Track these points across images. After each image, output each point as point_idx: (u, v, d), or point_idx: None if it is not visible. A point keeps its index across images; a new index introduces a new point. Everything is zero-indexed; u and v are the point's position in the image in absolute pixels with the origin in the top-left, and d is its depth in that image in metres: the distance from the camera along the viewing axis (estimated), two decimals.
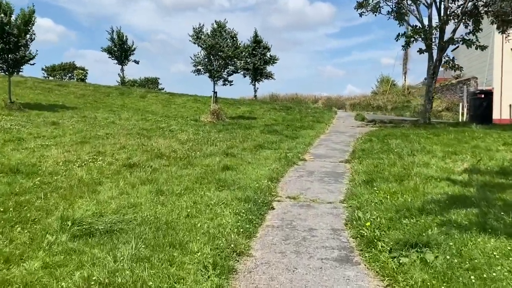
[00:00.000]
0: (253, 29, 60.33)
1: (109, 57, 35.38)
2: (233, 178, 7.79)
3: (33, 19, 20.79)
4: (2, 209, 5.22)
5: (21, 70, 21.81)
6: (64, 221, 4.67)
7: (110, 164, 8.83)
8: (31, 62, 21.47)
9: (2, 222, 4.77)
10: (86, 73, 48.95)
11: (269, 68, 36.00)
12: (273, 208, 6.27)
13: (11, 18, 20.09)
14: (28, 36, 20.78)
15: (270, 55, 35.68)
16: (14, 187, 6.45)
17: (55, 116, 19.47)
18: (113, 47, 35.02)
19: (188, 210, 5.65)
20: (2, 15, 19.56)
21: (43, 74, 50.22)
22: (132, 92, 30.79)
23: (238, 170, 8.71)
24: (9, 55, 20.57)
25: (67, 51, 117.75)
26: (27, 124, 16.19)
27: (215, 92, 22.45)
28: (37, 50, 21.72)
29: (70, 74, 52.21)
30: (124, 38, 35.24)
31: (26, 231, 4.57)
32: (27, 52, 21.06)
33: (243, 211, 5.67)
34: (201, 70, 21.79)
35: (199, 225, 5.10)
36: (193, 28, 21.49)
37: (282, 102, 35.87)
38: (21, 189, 6.38)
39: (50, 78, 46.39)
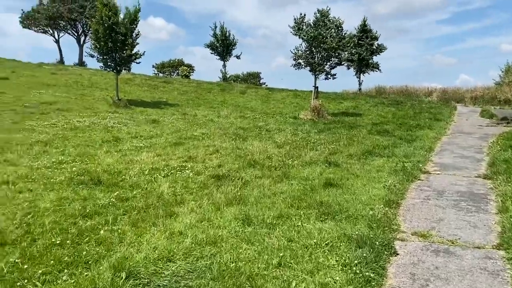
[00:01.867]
0: (356, 19, 57.02)
1: (211, 53, 35.64)
2: (338, 201, 6.21)
3: (138, 17, 21.19)
4: (59, 241, 4.37)
5: (127, 68, 22.45)
6: (118, 271, 3.61)
7: (197, 174, 7.85)
8: (137, 60, 21.98)
9: (52, 262, 3.86)
10: (192, 69, 50.56)
11: (376, 59, 33.14)
12: (396, 254, 4.59)
13: (119, 18, 20.65)
14: (134, 34, 21.24)
15: (378, 44, 32.77)
16: (87, 206, 5.67)
17: (157, 113, 19.61)
18: (215, 42, 35.14)
19: (281, 255, 4.25)
20: (111, 14, 20.14)
21: (154, 71, 53.12)
22: (233, 87, 30.48)
23: (344, 187, 7.10)
24: (117, 54, 21.24)
25: (177, 48, 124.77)
26: (129, 122, 16.31)
27: (316, 87, 20.82)
28: (144, 51, 22.05)
29: (177, 71, 54.48)
30: (227, 33, 35.16)
31: (73, 280, 3.59)
32: (134, 50, 21.56)
33: (355, 262, 4.10)
34: (302, 63, 20.30)
35: (293, 284, 3.68)
36: (294, 19, 20.07)
37: (390, 96, 32.74)
38: (93, 208, 5.58)
39: (160, 75, 48.77)
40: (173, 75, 51.71)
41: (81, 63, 39.38)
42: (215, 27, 34.94)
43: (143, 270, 3.74)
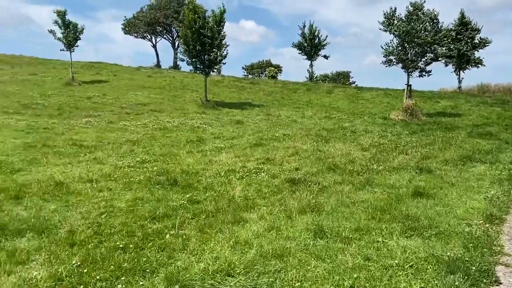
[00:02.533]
0: (454, 12, 52.47)
1: (299, 53, 35.21)
2: (428, 214, 5.43)
3: (224, 19, 21.52)
4: (123, 244, 4.30)
5: (215, 69, 22.95)
6: (171, 284, 3.38)
7: (273, 177, 7.51)
8: (224, 61, 22.39)
9: (111, 268, 3.77)
10: (280, 70, 50.71)
11: (478, 54, 29.96)
12: (497, 283, 3.78)
13: (205, 21, 21.16)
14: (220, 36, 21.63)
15: (481, 38, 29.62)
16: (158, 208, 5.62)
17: (242, 114, 19.76)
18: (303, 42, 34.64)
19: (355, 276, 3.70)
20: (197, 18, 20.72)
21: (243, 72, 54.30)
22: (319, 87, 29.76)
23: (436, 197, 6.24)
24: (205, 56, 21.81)
25: (266, 50, 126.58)
26: (214, 123, 16.57)
27: (409, 85, 19.35)
28: (227, 52, 22.40)
29: (265, 72, 55.05)
30: (316, 32, 34.46)
31: None
32: (220, 52, 21.97)
33: None
34: (393, 60, 18.98)
35: None
36: (384, 14, 18.84)
37: (494, 94, 29.45)
38: (163, 210, 5.51)
39: (249, 76, 49.67)
40: (261, 76, 52.34)
41: (175, 66, 41.50)
42: (304, 26, 34.44)
43: (198, 284, 3.47)
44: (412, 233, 4.77)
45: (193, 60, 22.05)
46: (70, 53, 26.49)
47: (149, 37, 43.37)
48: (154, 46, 44.58)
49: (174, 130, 14.85)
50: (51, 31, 25.77)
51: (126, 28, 42.48)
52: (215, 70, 23.20)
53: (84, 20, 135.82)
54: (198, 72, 22.60)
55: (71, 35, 25.86)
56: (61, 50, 26.38)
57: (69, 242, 4.36)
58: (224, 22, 21.59)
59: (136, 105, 21.47)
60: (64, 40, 25.84)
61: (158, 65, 42.79)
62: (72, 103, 20.98)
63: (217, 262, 3.90)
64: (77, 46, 26.49)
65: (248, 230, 4.82)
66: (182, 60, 22.66)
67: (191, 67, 22.65)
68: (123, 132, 14.22)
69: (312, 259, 4.08)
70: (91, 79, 27.58)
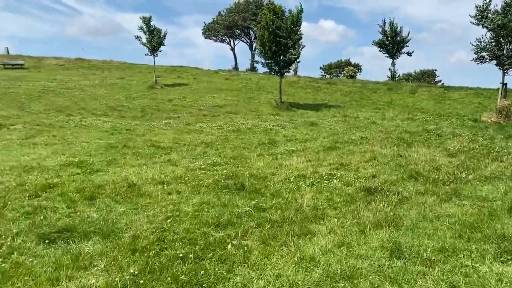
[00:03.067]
0: None
1: (379, 51, 33.68)
2: None
3: (300, 19, 21.15)
4: (183, 253, 4.12)
5: (290, 70, 22.64)
6: None
7: (346, 184, 7.00)
8: (298, 60, 22.02)
9: (168, 280, 3.60)
10: (359, 69, 49.11)
11: None
12: None
13: (282, 21, 20.93)
14: (296, 36, 21.28)
15: None
16: (223, 214, 5.44)
17: (317, 115, 19.24)
18: (384, 40, 33.07)
19: None
20: (274, 19, 20.56)
21: (321, 72, 53.43)
22: (402, 87, 28.15)
23: None
24: (280, 57, 21.60)
25: (346, 49, 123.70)
26: (288, 125, 16.28)
27: (504, 84, 17.45)
28: (300, 52, 21.97)
29: (344, 72, 53.63)
30: (398, 29, 32.72)
31: None
32: (296, 52, 21.63)
33: None
34: (486, 57, 17.25)
35: None
36: (476, 7, 17.16)
37: None
38: (228, 217, 5.31)
39: (327, 76, 48.75)
40: (339, 76, 51.08)
41: (252, 68, 41.96)
42: (384, 23, 32.87)
43: None
44: (509, 257, 4.05)
45: (268, 61, 21.98)
46: (154, 57, 27.88)
47: (228, 40, 44.38)
48: (233, 49, 45.56)
49: (247, 132, 14.80)
50: (137, 37, 27.31)
51: (206, 33, 43.85)
52: (290, 71, 22.87)
53: (169, 26, 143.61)
54: (273, 73, 22.47)
55: (155, 40, 27.17)
56: (146, 54, 27.88)
57: (131, 248, 4.31)
58: (301, 22, 21.21)
59: (213, 107, 21.91)
60: (148, 45, 27.23)
61: (236, 67, 43.60)
62: (154, 105, 21.97)
63: (278, 281, 3.58)
64: (160, 51, 27.80)
65: (315, 244, 4.43)
66: (257, 62, 22.72)
67: (266, 69, 22.62)
68: (199, 134, 14.47)
69: (387, 283, 3.59)
70: (173, 82, 28.75)
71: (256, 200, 6.08)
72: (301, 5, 21.10)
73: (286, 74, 23.90)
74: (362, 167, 8.41)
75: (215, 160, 9.32)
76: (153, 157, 10.01)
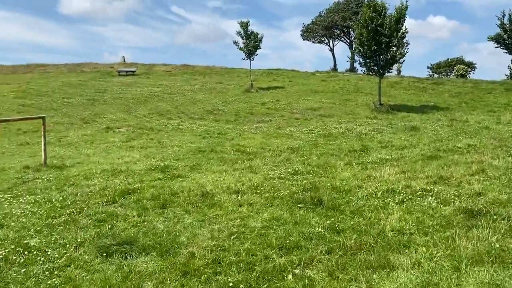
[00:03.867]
0: None
1: (495, 47, 29.93)
2: None
3: (404, 15, 19.62)
4: (234, 282, 3.66)
5: (390, 70, 21.12)
6: None
7: (443, 203, 5.95)
8: (401, 60, 20.44)
9: None
10: (473, 68, 44.54)
11: None
12: None
13: (384, 18, 19.60)
14: (399, 34, 19.78)
15: None
16: (291, 234, 4.87)
17: (419, 119, 17.60)
18: (502, 34, 29.30)
19: None
20: (375, 16, 19.33)
21: (428, 72, 49.61)
22: None
23: None
24: (380, 56, 20.26)
25: (458, 46, 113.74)
26: (385, 129, 15.08)
27: None
28: (407, 51, 20.32)
29: (454, 71, 49.15)
30: None
31: None
32: (399, 51, 20.12)
33: None
34: None
35: None
36: None
37: None
38: (296, 238, 4.73)
39: (435, 75, 45.14)
40: (449, 75, 46.90)
41: (351, 69, 40.42)
42: (503, 15, 29.11)
43: None
44: None
45: (367, 61, 20.77)
46: (250, 61, 28.20)
47: (327, 41, 43.32)
48: (331, 50, 44.39)
49: (338, 136, 13.98)
50: (235, 42, 27.88)
51: (304, 34, 43.36)
52: (391, 71, 21.32)
53: (270, 30, 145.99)
54: (371, 73, 21.17)
55: (251, 44, 27.45)
56: (242, 59, 28.32)
57: (184, 270, 3.99)
58: (405, 19, 19.67)
59: (306, 110, 21.34)
60: (245, 49, 27.61)
61: (334, 68, 42.39)
62: (248, 109, 22.11)
63: None
64: (256, 55, 28.02)
65: (393, 282, 3.65)
66: (354, 62, 21.60)
67: (364, 69, 21.41)
68: (287, 139, 14.04)
69: None
70: (268, 86, 28.78)
71: (333, 219, 5.41)
72: (406, 1, 19.56)
73: (387, 74, 22.40)
74: (466, 181, 7.18)
75: (297, 168, 8.79)
76: (235, 163, 9.82)
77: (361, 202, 6.19)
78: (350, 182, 7.51)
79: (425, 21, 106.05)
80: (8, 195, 7.11)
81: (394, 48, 19.44)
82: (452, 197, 6.21)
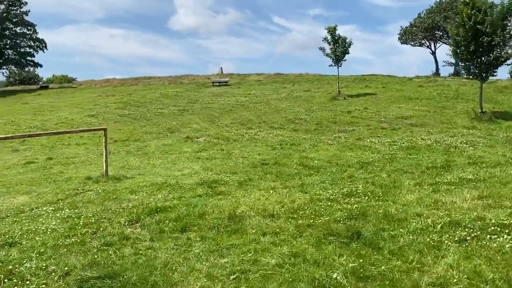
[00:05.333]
0: None
1: None
2: None
3: (510, 11, 16.91)
4: None
5: (494, 73, 18.35)
6: None
7: None
8: (508, 62, 17.65)
9: None
10: None
11: None
12: None
13: (485, 15, 17.13)
14: (504, 32, 17.11)
15: None
16: (295, 285, 3.97)
17: None
18: None
19: None
20: (474, 13, 16.98)
21: None
22: None
23: None
24: (482, 58, 17.73)
25: None
26: (481, 142, 13.01)
27: None
28: None
29: None
30: None
31: None
32: (504, 51, 17.43)
33: None
34: None
35: None
36: None
37: None
38: (311, 285, 3.82)
39: None
40: None
41: (456, 73, 36.59)
42: None
43: None
44: None
45: (467, 63, 18.35)
46: (338, 68, 26.89)
47: (427, 43, 39.81)
48: (433, 53, 40.67)
49: (422, 149, 12.30)
50: (321, 48, 26.83)
51: (402, 37, 40.40)
52: (496, 74, 18.55)
53: (374, 35, 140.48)
54: (471, 77, 18.63)
55: (339, 49, 26.18)
56: (329, 65, 27.12)
57: None
58: (511, 15, 16.99)
59: (396, 118, 19.53)
60: (332, 55, 26.42)
61: (437, 73, 38.76)
62: (331, 118, 20.97)
63: None
64: (345, 60, 26.63)
65: None
66: (452, 65, 19.17)
67: (463, 72, 18.94)
68: (363, 151, 12.76)
69: None
70: (358, 93, 27.19)
71: (362, 260, 4.36)
72: None
73: (494, 78, 19.62)
74: None
75: (353, 189, 7.68)
76: (291, 179, 9.00)
77: (410, 237, 4.99)
78: (410, 208, 6.25)
79: None
80: (52, 208, 7.23)
81: (497, 48, 16.81)
82: None
